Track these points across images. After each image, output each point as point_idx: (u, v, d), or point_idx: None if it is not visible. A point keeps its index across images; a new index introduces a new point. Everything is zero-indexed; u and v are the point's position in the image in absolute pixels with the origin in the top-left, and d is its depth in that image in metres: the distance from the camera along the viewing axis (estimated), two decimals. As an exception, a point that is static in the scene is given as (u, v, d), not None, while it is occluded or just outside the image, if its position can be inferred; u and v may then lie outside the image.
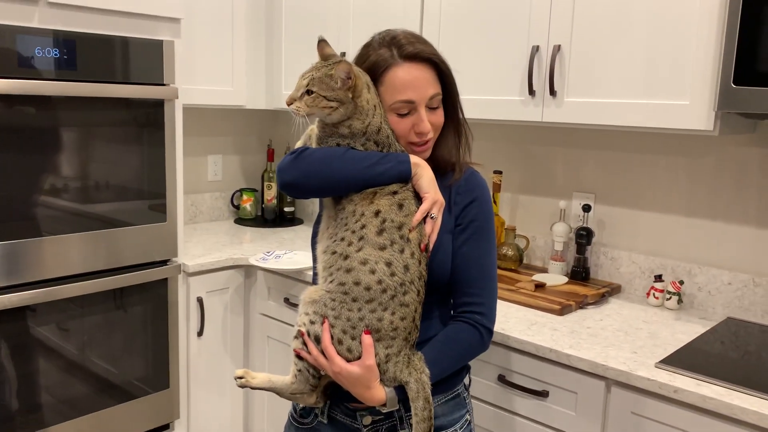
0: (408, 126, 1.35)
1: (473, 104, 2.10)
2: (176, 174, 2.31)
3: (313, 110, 1.30)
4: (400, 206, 1.30)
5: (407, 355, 1.28)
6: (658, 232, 2.16)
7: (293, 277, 2.36)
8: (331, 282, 1.29)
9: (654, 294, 2.09)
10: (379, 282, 1.25)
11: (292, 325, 2.42)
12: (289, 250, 2.52)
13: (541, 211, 2.45)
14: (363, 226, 1.28)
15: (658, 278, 2.09)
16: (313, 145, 1.38)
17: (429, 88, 1.35)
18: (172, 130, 2.28)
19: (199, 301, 2.42)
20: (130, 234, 2.20)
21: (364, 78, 1.32)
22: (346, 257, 1.28)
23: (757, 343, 1.78)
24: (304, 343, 1.30)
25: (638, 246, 2.21)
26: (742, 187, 1.99)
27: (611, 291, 2.18)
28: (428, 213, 1.32)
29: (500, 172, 2.43)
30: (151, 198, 2.25)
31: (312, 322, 1.28)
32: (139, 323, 2.27)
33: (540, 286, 2.16)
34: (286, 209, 3.19)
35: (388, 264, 1.26)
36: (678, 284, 2.05)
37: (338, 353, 1.26)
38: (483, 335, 1.38)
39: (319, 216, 1.46)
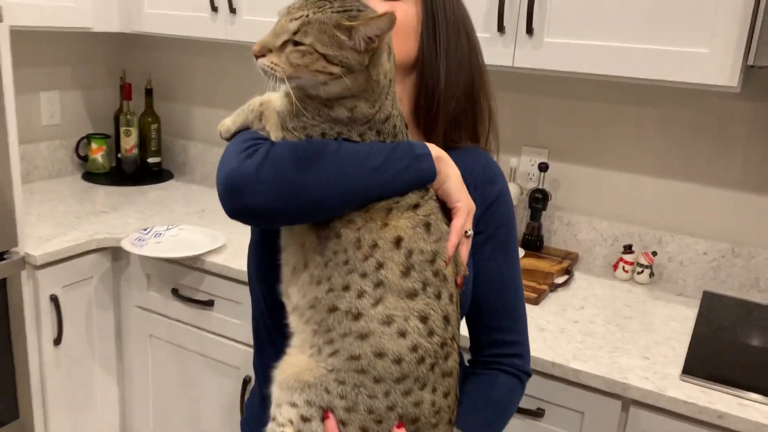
0: None
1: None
2: (7, 125, 1.63)
3: (299, 72, 0.80)
4: (427, 227, 0.86)
5: None
6: (623, 194, 1.89)
7: (185, 263, 1.82)
8: (333, 355, 0.83)
9: (623, 267, 1.83)
10: (414, 348, 0.82)
11: (184, 323, 1.96)
12: (171, 225, 1.95)
13: (481, 167, 2.08)
14: (380, 265, 0.82)
15: (628, 249, 1.83)
16: (274, 131, 0.87)
17: None
18: (-6, 65, 1.59)
19: (54, 300, 1.80)
20: (-57, 222, 1.52)
21: (387, 37, 0.84)
22: (358, 316, 0.82)
23: (761, 325, 1.59)
24: None
25: (600, 210, 1.93)
26: (725, 145, 1.74)
27: (571, 262, 1.89)
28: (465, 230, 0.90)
29: (436, 122, 2.01)
30: (-30, 167, 1.57)
31: (305, 419, 0.83)
32: (-33, 342, 1.63)
33: (498, 264, 1.82)
34: (151, 160, 2.54)
35: (424, 319, 0.83)
36: (651, 256, 1.80)
37: None
38: (524, 384, 1.02)
39: (264, 240, 0.97)
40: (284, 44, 0.80)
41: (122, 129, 2.45)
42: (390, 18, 0.78)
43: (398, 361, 0.82)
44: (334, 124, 0.83)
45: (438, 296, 0.84)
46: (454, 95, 1.01)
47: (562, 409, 1.39)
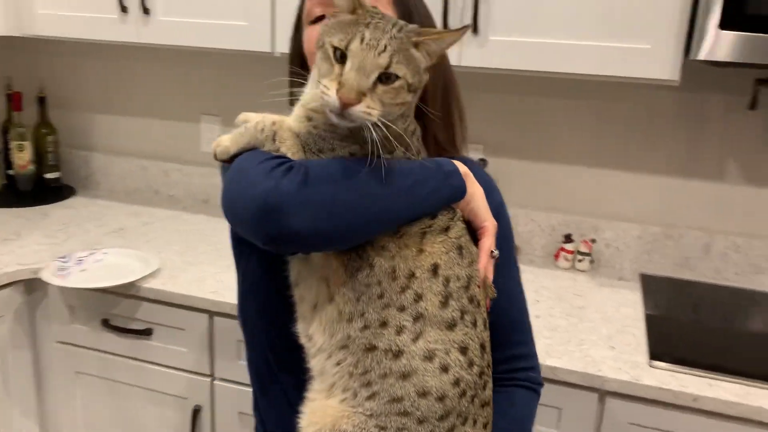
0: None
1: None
2: None
3: (388, 110, 0.75)
4: (460, 250, 0.82)
5: None
6: (558, 185, 1.93)
7: (116, 291, 1.65)
8: (370, 398, 0.77)
9: (565, 256, 1.88)
10: (456, 382, 0.78)
11: (118, 355, 1.75)
12: (93, 249, 1.77)
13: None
14: (418, 297, 0.78)
15: (568, 238, 1.88)
16: (293, 154, 0.81)
17: None
18: None
19: (-37, 346, 1.59)
20: None
21: None
22: (399, 354, 0.77)
23: (713, 305, 1.69)
24: None
25: (536, 202, 1.97)
26: (654, 134, 1.82)
27: (514, 256, 1.92)
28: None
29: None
30: None
31: None
32: None
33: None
34: (49, 176, 2.30)
35: (464, 350, 0.79)
36: (590, 243, 1.86)
37: None
38: (539, 395, 1.02)
39: (269, 277, 0.89)
40: (375, 84, 0.73)
41: (14, 143, 2.20)
42: (464, 31, 0.74)
43: (442, 398, 0.77)
44: (365, 143, 0.77)
45: (474, 324, 0.81)
46: (436, 97, 0.98)
47: (539, 406, 1.40)
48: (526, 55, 1.53)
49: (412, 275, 0.78)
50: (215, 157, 0.87)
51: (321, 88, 0.74)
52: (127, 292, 1.64)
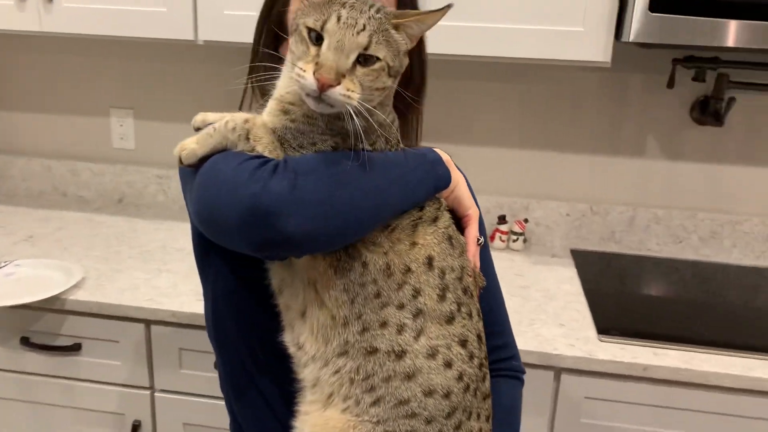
0: None
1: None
2: None
3: (366, 95, 0.71)
4: (450, 240, 0.81)
5: None
6: (489, 167, 1.96)
7: (37, 306, 1.51)
8: (375, 404, 0.75)
9: (500, 237, 1.91)
10: (460, 377, 0.78)
11: (41, 375, 1.59)
12: (4, 262, 1.61)
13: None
14: (416, 292, 0.76)
15: (502, 220, 1.91)
16: (270, 152, 0.76)
17: None
18: None
19: None
20: None
21: None
22: (402, 354, 0.75)
23: (640, 275, 1.77)
24: None
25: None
26: (577, 114, 1.88)
27: (450, 240, 1.93)
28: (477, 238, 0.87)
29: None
30: None
31: None
32: None
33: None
34: (-65, 182, 2.07)
35: (464, 343, 0.79)
36: (523, 223, 1.90)
37: None
38: (523, 382, 1.03)
39: (246, 286, 0.84)
40: (355, 66, 0.69)
41: None
42: (446, 10, 0.72)
43: (447, 395, 0.76)
44: (347, 136, 0.73)
45: (470, 315, 0.80)
46: (414, 83, 0.97)
47: (497, 389, 1.42)
48: (460, 39, 1.53)
49: (407, 270, 0.76)
50: (180, 162, 0.80)
51: (296, 71, 0.70)
52: (51, 307, 1.50)
